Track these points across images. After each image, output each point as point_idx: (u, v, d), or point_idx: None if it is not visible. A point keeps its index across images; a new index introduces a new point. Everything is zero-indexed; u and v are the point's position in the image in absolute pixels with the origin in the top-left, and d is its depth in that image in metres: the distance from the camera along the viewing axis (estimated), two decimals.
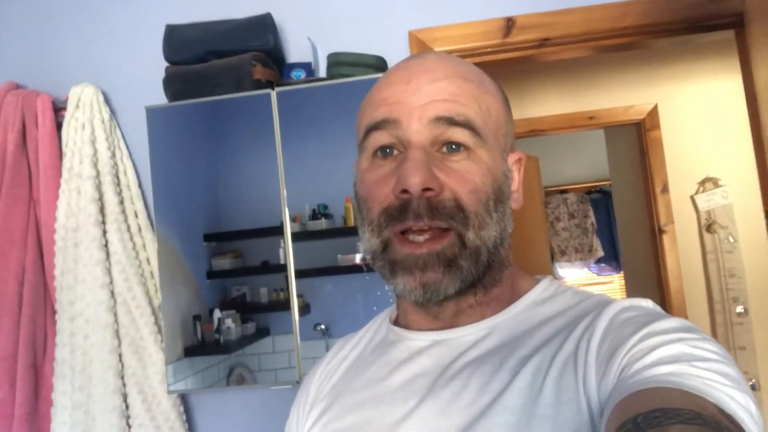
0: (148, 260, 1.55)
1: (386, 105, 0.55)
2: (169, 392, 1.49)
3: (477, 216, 0.53)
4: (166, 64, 1.51)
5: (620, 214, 3.25)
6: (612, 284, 5.10)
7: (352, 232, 1.46)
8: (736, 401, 0.39)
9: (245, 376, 1.51)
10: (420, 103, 0.54)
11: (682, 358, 0.42)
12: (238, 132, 1.52)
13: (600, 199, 4.88)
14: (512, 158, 0.61)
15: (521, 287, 0.61)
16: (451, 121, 0.53)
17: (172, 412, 1.50)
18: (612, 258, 4.88)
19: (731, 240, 2.69)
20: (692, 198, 2.76)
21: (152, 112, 1.52)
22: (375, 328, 0.68)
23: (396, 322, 0.65)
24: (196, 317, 1.54)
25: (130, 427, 1.47)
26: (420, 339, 0.60)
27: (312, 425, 0.62)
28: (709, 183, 2.73)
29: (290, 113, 1.47)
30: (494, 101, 0.58)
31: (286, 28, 1.57)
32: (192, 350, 1.53)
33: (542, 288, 0.60)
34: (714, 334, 2.69)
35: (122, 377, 1.47)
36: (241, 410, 1.59)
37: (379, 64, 1.44)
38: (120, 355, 1.47)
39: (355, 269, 1.46)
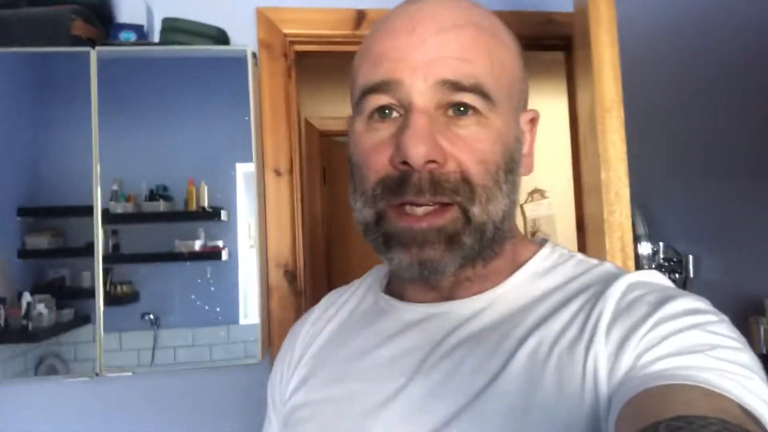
0: None
1: (387, 61, 0.48)
2: None
3: (485, 190, 0.48)
4: None
5: None
6: None
7: (193, 216, 1.39)
8: (757, 395, 0.38)
9: (57, 367, 1.39)
10: (425, 59, 0.47)
11: (697, 348, 0.40)
12: (65, 97, 1.35)
13: None
14: (525, 118, 0.56)
15: (522, 256, 0.56)
16: (458, 86, 0.47)
17: None
18: None
19: None
20: (521, 206, 3.01)
21: None
22: (363, 292, 0.63)
23: (387, 290, 0.61)
24: (0, 300, 1.38)
25: None
26: (413, 311, 0.55)
27: (294, 390, 0.59)
28: (536, 194, 3.01)
29: (124, 80, 1.35)
30: (508, 54, 0.52)
31: None
32: None
33: (543, 256, 0.56)
34: None
35: None
36: (37, 404, 1.42)
37: (219, 37, 1.35)
38: None
39: (193, 256, 1.37)
